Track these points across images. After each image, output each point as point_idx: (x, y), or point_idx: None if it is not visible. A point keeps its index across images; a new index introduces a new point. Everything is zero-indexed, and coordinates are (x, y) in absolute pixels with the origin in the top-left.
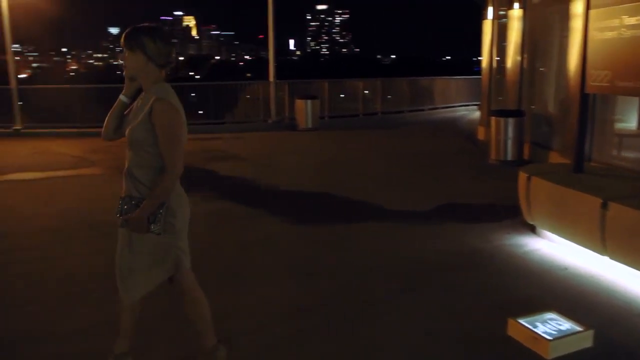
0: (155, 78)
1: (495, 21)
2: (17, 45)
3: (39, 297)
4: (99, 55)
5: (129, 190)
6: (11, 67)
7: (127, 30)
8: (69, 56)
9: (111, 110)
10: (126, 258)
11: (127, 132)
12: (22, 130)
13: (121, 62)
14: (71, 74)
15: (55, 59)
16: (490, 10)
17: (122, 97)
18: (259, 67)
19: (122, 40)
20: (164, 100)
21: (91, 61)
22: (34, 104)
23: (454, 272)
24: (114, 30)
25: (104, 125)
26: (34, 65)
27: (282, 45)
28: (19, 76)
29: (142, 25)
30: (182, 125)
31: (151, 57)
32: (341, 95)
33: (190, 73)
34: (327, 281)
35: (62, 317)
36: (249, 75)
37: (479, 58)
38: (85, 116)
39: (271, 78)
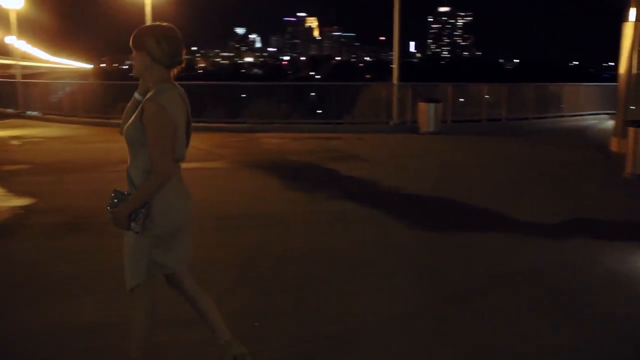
0: (160, 78)
1: (639, 23)
2: None
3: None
4: (226, 54)
5: (128, 187)
6: None
7: (135, 31)
8: (198, 54)
9: (126, 107)
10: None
11: (123, 131)
12: None
13: (246, 60)
14: (199, 71)
15: (185, 57)
16: (632, 12)
17: (136, 94)
18: (378, 69)
19: (131, 40)
20: (153, 101)
21: (218, 59)
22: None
23: (586, 295)
24: (240, 31)
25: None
26: None
27: (402, 47)
28: None
29: (148, 25)
30: (168, 127)
31: (155, 58)
32: (460, 99)
33: (311, 73)
34: (444, 288)
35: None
36: (368, 76)
37: (609, 64)
38: (214, 112)
39: (395, 80)
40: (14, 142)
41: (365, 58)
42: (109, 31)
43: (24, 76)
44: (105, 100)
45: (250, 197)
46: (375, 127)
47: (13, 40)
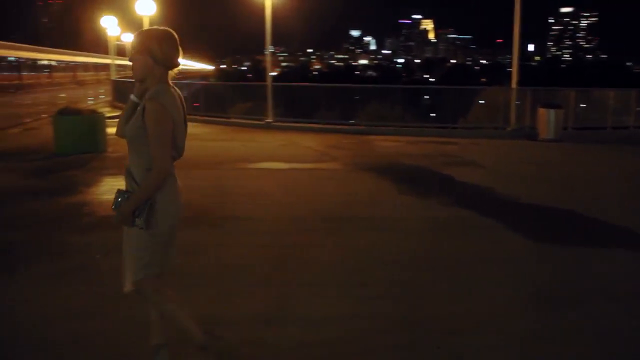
0: (160, 79)
1: None
2: (270, 47)
3: (277, 281)
4: (340, 56)
5: (128, 186)
6: (268, 67)
7: (135, 34)
8: (313, 57)
9: (123, 109)
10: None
11: (124, 132)
12: (273, 123)
13: (360, 62)
14: (314, 73)
15: (301, 59)
16: None
17: (132, 96)
18: (495, 72)
19: (131, 44)
20: (155, 101)
21: (333, 61)
22: (283, 99)
23: None
24: (355, 33)
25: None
26: (283, 64)
27: (521, 50)
28: (270, 74)
29: (149, 29)
30: (169, 126)
31: (157, 60)
32: (581, 105)
33: (425, 76)
34: (556, 309)
35: (300, 304)
36: (484, 80)
37: None
38: (328, 113)
39: (513, 84)
40: None
41: (481, 61)
42: (230, 34)
43: None
44: (224, 99)
45: (362, 199)
46: (492, 132)
47: None
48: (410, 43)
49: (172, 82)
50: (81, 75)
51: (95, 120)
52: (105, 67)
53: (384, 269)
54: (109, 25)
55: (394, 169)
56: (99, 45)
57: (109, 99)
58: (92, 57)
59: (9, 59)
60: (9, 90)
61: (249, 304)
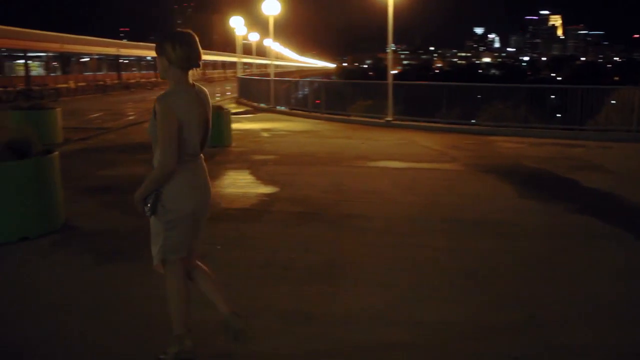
0: (177, 79)
1: None
2: (392, 45)
3: (390, 281)
4: (463, 54)
5: None
6: (389, 65)
7: (156, 37)
8: (435, 55)
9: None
10: None
11: (147, 129)
12: (392, 122)
13: (483, 60)
14: (436, 71)
15: (423, 57)
16: None
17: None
18: (630, 71)
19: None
20: (161, 101)
21: (455, 60)
22: (403, 98)
23: None
24: (478, 30)
25: None
26: (404, 62)
27: None
28: (391, 72)
29: (168, 32)
30: (172, 125)
31: (172, 61)
32: None
33: (552, 74)
34: None
35: (412, 306)
36: (617, 78)
37: None
38: (448, 112)
39: None
40: (264, 134)
41: (614, 58)
42: (353, 32)
43: (276, 74)
44: (345, 97)
45: (481, 202)
46: (624, 135)
47: (270, 43)
48: (537, 40)
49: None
50: (210, 72)
51: (221, 116)
52: (232, 65)
53: (501, 275)
54: (237, 25)
55: (516, 171)
56: (226, 44)
57: (235, 95)
58: (221, 55)
59: (147, 58)
60: (147, 87)
61: (360, 304)
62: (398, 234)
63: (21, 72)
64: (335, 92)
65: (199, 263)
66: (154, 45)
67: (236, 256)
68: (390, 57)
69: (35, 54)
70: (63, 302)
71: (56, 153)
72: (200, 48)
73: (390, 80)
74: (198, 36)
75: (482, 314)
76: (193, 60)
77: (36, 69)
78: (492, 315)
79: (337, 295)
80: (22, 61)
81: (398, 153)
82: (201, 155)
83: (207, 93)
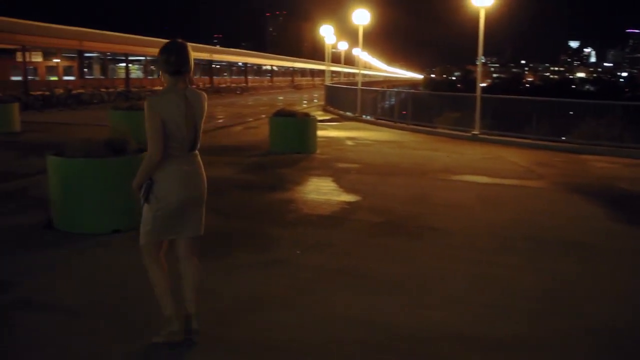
0: (169, 84)
1: None
2: (482, 57)
3: (468, 298)
4: (556, 68)
5: None
6: (478, 77)
7: None
8: (526, 68)
9: None
10: None
11: None
12: (479, 135)
13: (577, 75)
14: (526, 85)
15: (513, 70)
16: None
17: None
18: None
19: None
20: (147, 101)
21: (547, 74)
22: (491, 111)
23: None
24: (573, 44)
25: None
26: (494, 75)
27: None
28: (480, 85)
29: (164, 42)
30: (154, 122)
31: (162, 68)
32: None
33: None
34: None
35: (488, 325)
36: None
37: None
38: (538, 128)
39: None
40: (349, 142)
41: None
42: (442, 43)
43: (363, 83)
44: (431, 109)
45: (567, 223)
46: None
47: (358, 52)
48: (638, 55)
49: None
50: (298, 80)
51: (307, 123)
52: (320, 72)
53: (581, 299)
54: (327, 33)
55: (607, 192)
56: (315, 52)
57: (321, 103)
58: (309, 63)
59: (238, 64)
60: (236, 92)
61: (437, 318)
62: (479, 250)
63: (122, 74)
64: (422, 104)
65: (196, 259)
66: (245, 51)
67: (315, 262)
68: (479, 69)
69: (135, 57)
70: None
71: None
72: (189, 56)
73: (478, 93)
74: (288, 44)
75: (559, 337)
76: (179, 66)
77: (135, 72)
78: (572, 339)
79: (412, 309)
80: (123, 64)
81: (483, 168)
82: (196, 152)
83: (201, 95)
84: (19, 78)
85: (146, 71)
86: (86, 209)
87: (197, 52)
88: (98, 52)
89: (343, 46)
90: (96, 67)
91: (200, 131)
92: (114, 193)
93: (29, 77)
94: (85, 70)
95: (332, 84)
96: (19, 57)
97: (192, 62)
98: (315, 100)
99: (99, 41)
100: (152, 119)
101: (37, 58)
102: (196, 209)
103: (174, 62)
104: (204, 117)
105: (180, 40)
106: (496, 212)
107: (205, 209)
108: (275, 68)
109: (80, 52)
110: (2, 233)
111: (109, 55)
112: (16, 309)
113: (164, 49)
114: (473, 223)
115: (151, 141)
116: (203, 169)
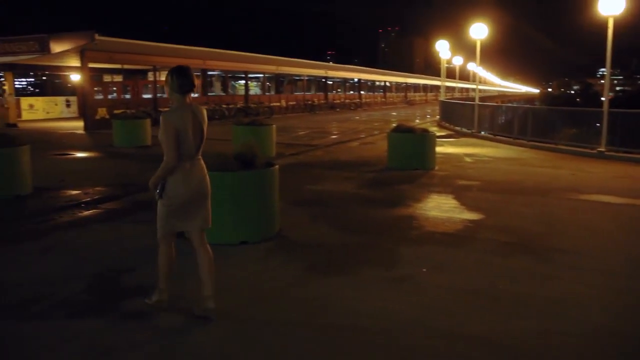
0: (176, 102)
1: None
2: (604, 70)
3: (606, 327)
4: None
5: None
6: (606, 90)
7: None
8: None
9: None
10: None
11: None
12: (606, 153)
13: None
14: None
15: (195, 85)
16: None
17: None
18: None
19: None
20: (163, 115)
21: None
22: (619, 127)
23: None
24: None
25: None
26: (617, 88)
27: None
28: (605, 98)
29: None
30: (170, 132)
31: (172, 88)
32: None
33: None
34: None
35: None
36: None
37: None
38: None
39: None
40: (468, 159)
41: None
42: (558, 57)
43: (479, 99)
44: (550, 124)
45: None
46: None
47: (474, 67)
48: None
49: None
50: (411, 95)
51: (426, 139)
52: (433, 88)
53: None
54: (442, 48)
55: None
56: (427, 67)
57: (435, 118)
58: (422, 78)
59: (352, 80)
60: (350, 107)
61: (569, 342)
62: (615, 274)
63: (241, 91)
64: (542, 119)
65: (208, 248)
66: (358, 67)
67: (441, 280)
68: (607, 82)
69: (254, 75)
70: (273, 306)
71: (276, 166)
72: (193, 78)
73: (606, 107)
74: (400, 59)
75: None
76: (186, 86)
77: (253, 89)
78: None
79: (549, 334)
80: (242, 81)
81: (613, 187)
82: (199, 156)
83: (203, 110)
84: (149, 96)
85: (264, 88)
86: (216, 221)
87: (312, 69)
88: (219, 70)
89: (458, 61)
90: (217, 85)
91: (204, 138)
92: (243, 206)
93: (158, 94)
94: (207, 87)
95: (447, 99)
96: (149, 77)
97: (195, 82)
98: (428, 116)
99: (220, 60)
100: (168, 130)
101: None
102: (202, 203)
103: (183, 84)
104: (206, 127)
105: (185, 65)
106: (631, 234)
107: (327, 223)
108: (388, 84)
109: (204, 71)
110: (138, 241)
111: (229, 74)
112: (155, 312)
113: (175, 73)
114: (606, 246)
115: (167, 148)
116: (205, 170)
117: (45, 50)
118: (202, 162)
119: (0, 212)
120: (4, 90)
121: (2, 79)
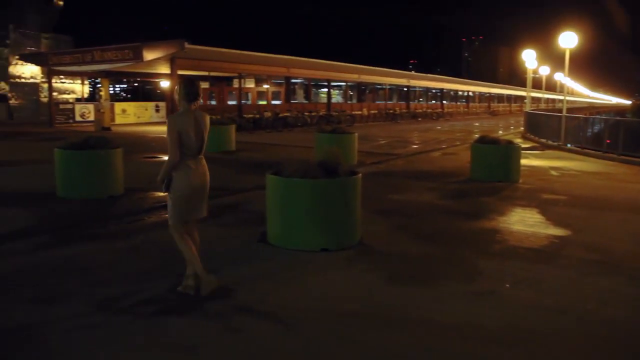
0: (183, 108)
1: None
2: None
3: None
4: None
5: None
6: None
7: None
8: None
9: None
10: None
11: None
12: None
13: None
14: None
15: (200, 95)
16: None
17: None
18: None
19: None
20: (168, 118)
21: None
22: None
23: None
24: None
25: None
26: None
27: None
28: None
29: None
30: (173, 132)
31: (180, 95)
32: None
33: None
34: None
35: None
36: None
37: None
38: None
39: None
40: (553, 172)
41: None
42: None
43: (567, 110)
44: None
45: None
46: None
47: (562, 77)
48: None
49: None
50: (495, 106)
51: (511, 151)
52: (517, 98)
53: None
54: (528, 58)
55: None
56: (511, 77)
57: (519, 130)
58: (506, 88)
59: (434, 89)
60: (432, 117)
61: None
62: None
63: (323, 99)
64: (633, 132)
65: (196, 234)
66: (440, 77)
67: (526, 297)
68: None
69: (336, 83)
70: (353, 314)
71: (359, 174)
72: (199, 89)
73: None
74: (483, 69)
75: None
76: (192, 95)
77: (335, 97)
78: None
79: None
80: (325, 89)
81: None
82: (202, 156)
83: (205, 115)
84: (234, 102)
85: (346, 96)
86: (298, 227)
87: (395, 78)
88: (302, 78)
89: (544, 71)
90: (300, 92)
91: (205, 141)
92: (325, 213)
93: (242, 101)
94: (290, 94)
95: (533, 110)
96: (235, 84)
97: (200, 93)
98: (511, 128)
99: (303, 68)
100: (172, 131)
101: (250, 84)
102: (202, 196)
103: (190, 93)
104: (207, 131)
105: (192, 77)
106: None
107: (408, 233)
108: (470, 94)
109: (287, 78)
110: (223, 243)
111: (312, 81)
112: (237, 314)
113: (185, 84)
114: None
115: (171, 148)
116: (207, 168)
117: (138, 57)
118: (204, 161)
119: (95, 211)
120: (100, 96)
121: (99, 85)
